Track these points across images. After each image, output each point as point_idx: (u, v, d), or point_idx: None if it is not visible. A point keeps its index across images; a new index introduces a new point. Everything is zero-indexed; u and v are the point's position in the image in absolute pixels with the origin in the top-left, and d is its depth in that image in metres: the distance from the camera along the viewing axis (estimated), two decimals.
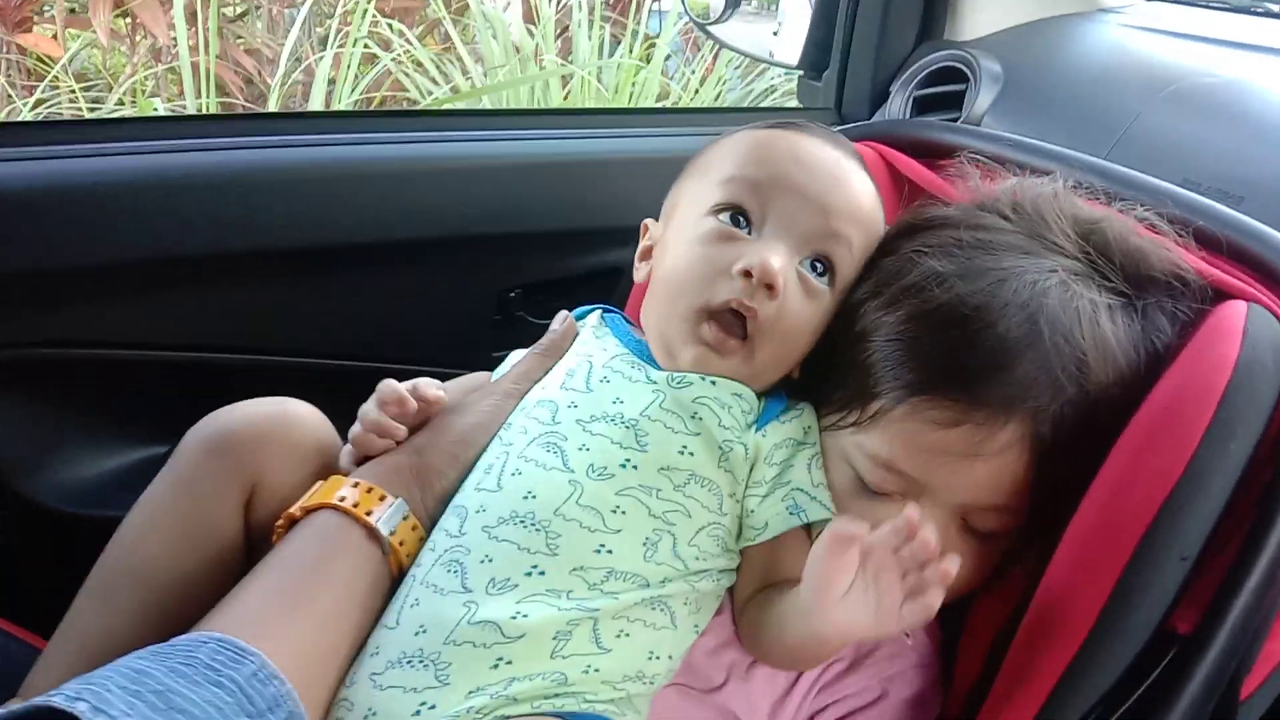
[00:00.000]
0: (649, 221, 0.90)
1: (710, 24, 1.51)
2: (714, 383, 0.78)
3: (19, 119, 2.48)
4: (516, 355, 0.89)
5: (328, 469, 0.79)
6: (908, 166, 0.95)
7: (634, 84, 2.86)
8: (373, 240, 1.14)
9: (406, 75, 2.80)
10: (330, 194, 1.10)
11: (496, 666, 0.67)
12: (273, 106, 2.73)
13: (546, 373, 0.84)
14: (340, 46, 2.67)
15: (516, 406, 0.81)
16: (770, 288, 0.76)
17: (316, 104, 2.64)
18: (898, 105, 1.31)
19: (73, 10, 2.93)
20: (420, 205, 1.15)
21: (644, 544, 0.72)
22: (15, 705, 0.58)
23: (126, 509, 0.78)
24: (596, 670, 0.69)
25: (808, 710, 0.78)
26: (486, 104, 2.76)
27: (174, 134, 1.07)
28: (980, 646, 0.76)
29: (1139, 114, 1.08)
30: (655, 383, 0.79)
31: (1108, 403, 0.70)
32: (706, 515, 0.75)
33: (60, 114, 2.60)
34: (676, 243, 0.82)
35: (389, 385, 0.79)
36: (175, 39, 2.56)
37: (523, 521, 0.72)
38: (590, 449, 0.75)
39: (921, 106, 1.30)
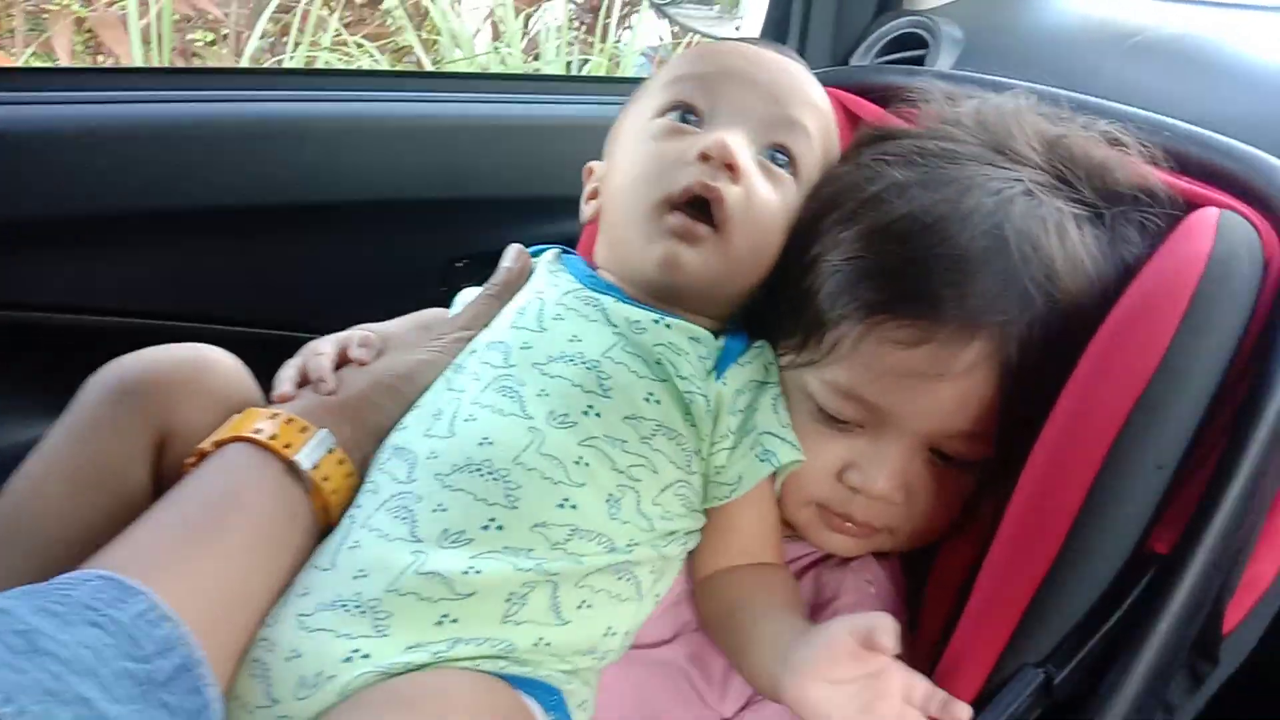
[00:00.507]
0: (593, 164, 0.85)
1: (667, 5, 1.49)
2: (669, 325, 0.72)
3: None
4: (467, 295, 0.83)
5: None
6: (865, 109, 0.91)
7: None
8: (309, 201, 1.08)
9: None
10: (263, 151, 1.05)
11: (440, 624, 0.61)
12: None
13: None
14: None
15: (465, 349, 0.75)
16: (731, 168, 0.71)
17: None
18: None
19: (34, 29, 2.89)
20: (362, 166, 1.09)
21: (606, 500, 0.66)
22: None
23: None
24: (548, 644, 0.63)
25: None
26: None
27: (93, 84, 1.01)
28: (948, 593, 0.71)
29: (1100, 69, 1.06)
30: (615, 325, 0.73)
31: (1078, 316, 0.65)
32: (674, 472, 0.69)
33: None
34: (625, 156, 0.77)
35: (316, 364, 0.74)
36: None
37: (479, 470, 0.65)
38: (550, 393, 0.69)
39: None
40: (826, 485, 0.72)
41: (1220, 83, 0.99)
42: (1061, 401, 0.62)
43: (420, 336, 0.78)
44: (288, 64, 2.62)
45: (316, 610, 0.62)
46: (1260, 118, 0.88)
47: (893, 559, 0.77)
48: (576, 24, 3.07)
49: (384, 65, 2.77)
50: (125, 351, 0.74)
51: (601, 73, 2.83)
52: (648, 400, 0.70)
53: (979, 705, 0.59)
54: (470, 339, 0.76)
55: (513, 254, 0.83)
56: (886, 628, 0.56)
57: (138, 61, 2.41)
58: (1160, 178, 0.71)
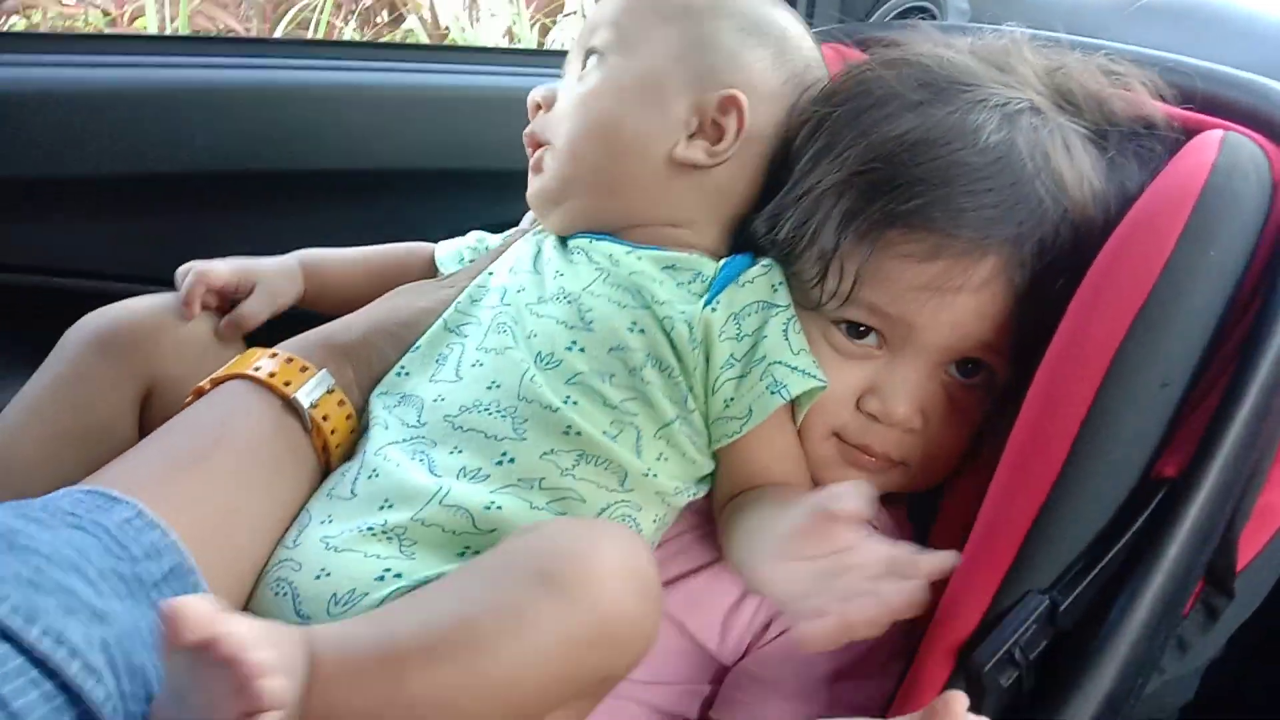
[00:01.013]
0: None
1: None
2: (639, 257, 0.72)
3: None
4: (479, 237, 0.86)
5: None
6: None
7: None
8: (301, 169, 1.07)
9: None
10: (253, 118, 1.04)
11: (463, 555, 0.62)
12: None
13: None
14: None
15: (465, 295, 0.76)
16: (537, 105, 0.78)
17: None
18: None
19: None
20: (357, 135, 1.09)
21: (603, 434, 0.66)
22: None
23: None
24: None
25: (763, 617, 0.70)
26: None
27: (84, 50, 1.02)
28: (954, 536, 0.68)
29: (1107, 31, 1.04)
30: (596, 262, 0.73)
31: (1086, 230, 0.65)
32: (671, 408, 0.68)
33: None
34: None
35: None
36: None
37: (487, 410, 0.67)
38: (537, 334, 0.70)
39: None
40: (845, 413, 0.70)
41: (1229, 40, 0.97)
42: (1065, 320, 0.61)
43: (428, 285, 0.78)
44: None
45: (342, 533, 0.63)
46: (1269, 73, 0.87)
47: (899, 505, 0.75)
48: None
49: None
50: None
51: None
52: (632, 330, 0.69)
53: (981, 634, 0.57)
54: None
55: (530, 218, 0.84)
56: (847, 495, 0.54)
57: None
58: (1162, 108, 0.70)
